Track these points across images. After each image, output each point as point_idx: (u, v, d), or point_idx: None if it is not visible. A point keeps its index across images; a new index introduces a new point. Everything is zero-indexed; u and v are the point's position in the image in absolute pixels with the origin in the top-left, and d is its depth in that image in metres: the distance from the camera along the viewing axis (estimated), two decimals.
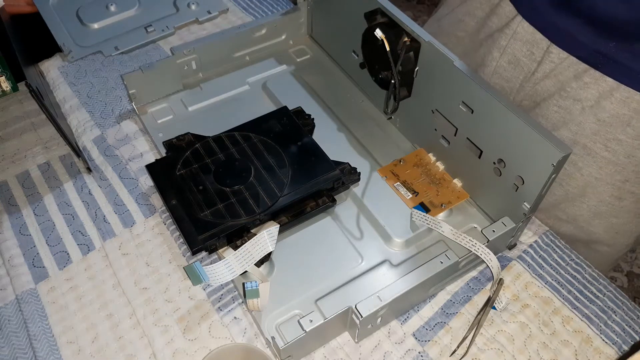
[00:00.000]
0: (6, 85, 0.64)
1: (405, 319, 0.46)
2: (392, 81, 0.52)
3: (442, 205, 0.52)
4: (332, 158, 0.53)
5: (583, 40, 0.51)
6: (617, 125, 0.52)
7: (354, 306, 0.41)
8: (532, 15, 0.55)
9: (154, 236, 0.52)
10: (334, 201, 0.52)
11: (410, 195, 0.53)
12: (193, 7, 0.73)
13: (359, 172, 0.54)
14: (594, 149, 0.54)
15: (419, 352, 0.45)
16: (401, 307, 0.46)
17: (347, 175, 0.53)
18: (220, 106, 0.63)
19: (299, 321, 0.41)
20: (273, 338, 0.41)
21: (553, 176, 0.42)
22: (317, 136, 0.57)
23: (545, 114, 0.56)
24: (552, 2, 0.53)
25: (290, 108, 0.58)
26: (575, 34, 0.52)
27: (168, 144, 0.55)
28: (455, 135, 0.51)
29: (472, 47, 0.63)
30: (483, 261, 0.46)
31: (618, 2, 0.48)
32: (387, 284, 0.43)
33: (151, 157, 0.58)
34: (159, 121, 0.61)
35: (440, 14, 0.70)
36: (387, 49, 0.50)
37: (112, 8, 0.71)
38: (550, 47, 0.54)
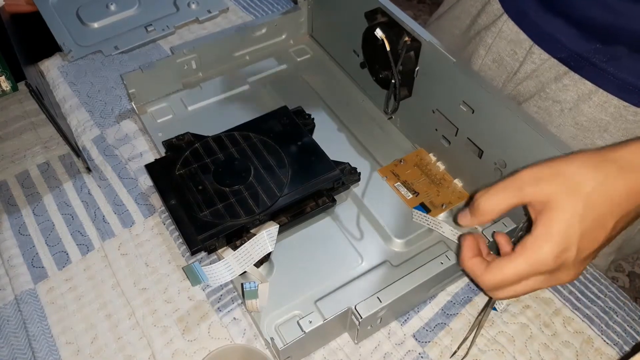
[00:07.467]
0: (6, 85, 0.64)
1: (406, 320, 0.46)
2: (393, 81, 0.52)
3: (442, 205, 0.52)
4: (332, 158, 0.53)
5: (564, 41, 0.51)
6: (594, 130, 0.52)
7: (354, 307, 0.41)
8: (517, 15, 0.55)
9: (153, 236, 0.52)
10: (334, 201, 0.51)
11: (411, 196, 0.53)
12: (193, 6, 0.73)
13: (359, 172, 0.53)
14: None
15: (419, 353, 0.45)
16: (401, 308, 0.46)
17: (347, 175, 0.53)
18: (220, 106, 0.63)
19: (298, 322, 0.41)
20: (272, 339, 0.41)
21: None
22: (317, 136, 0.56)
23: None
24: (536, 1, 0.53)
25: (290, 108, 0.58)
26: (556, 35, 0.52)
27: (167, 144, 0.55)
28: (455, 135, 0.51)
29: (464, 45, 0.63)
30: None
31: (592, 3, 0.48)
32: (387, 284, 0.42)
33: (151, 157, 0.57)
34: (159, 121, 0.61)
35: (440, 11, 0.70)
36: (388, 48, 0.50)
37: (112, 7, 0.71)
38: (532, 47, 0.54)
